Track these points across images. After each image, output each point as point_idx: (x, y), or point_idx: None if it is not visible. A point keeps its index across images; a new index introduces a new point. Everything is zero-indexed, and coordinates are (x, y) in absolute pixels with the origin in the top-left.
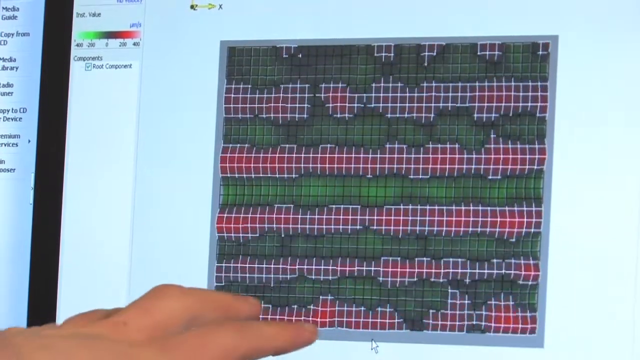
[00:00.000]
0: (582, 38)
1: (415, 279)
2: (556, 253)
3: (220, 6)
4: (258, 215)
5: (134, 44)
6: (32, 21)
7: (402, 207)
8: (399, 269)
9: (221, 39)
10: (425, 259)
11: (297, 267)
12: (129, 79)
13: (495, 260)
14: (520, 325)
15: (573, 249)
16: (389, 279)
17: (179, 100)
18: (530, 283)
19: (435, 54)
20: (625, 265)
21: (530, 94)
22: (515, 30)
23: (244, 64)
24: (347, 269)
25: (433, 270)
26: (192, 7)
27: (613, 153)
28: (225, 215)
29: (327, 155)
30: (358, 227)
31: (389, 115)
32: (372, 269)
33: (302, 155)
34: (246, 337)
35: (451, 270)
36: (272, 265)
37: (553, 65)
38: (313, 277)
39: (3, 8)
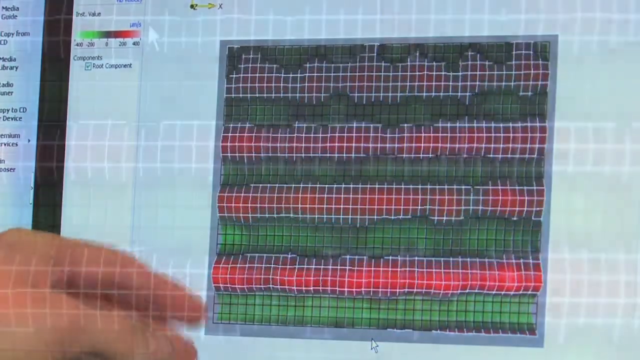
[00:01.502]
0: (582, 38)
1: (415, 280)
2: (556, 253)
3: (220, 6)
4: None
5: (134, 44)
6: (32, 21)
7: (403, 187)
8: (399, 269)
9: (221, 38)
10: (425, 258)
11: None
12: (129, 79)
13: (496, 260)
14: (517, 323)
15: (573, 249)
16: (389, 280)
17: (179, 100)
18: (533, 284)
19: (433, 53)
20: (625, 265)
21: (529, 93)
22: (515, 29)
23: (243, 64)
24: (347, 267)
25: (434, 270)
26: (192, 6)
27: (613, 153)
28: (226, 213)
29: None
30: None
31: (390, 96)
32: (372, 269)
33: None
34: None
35: (451, 271)
36: (273, 258)
37: (553, 65)
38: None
39: (3, 8)
